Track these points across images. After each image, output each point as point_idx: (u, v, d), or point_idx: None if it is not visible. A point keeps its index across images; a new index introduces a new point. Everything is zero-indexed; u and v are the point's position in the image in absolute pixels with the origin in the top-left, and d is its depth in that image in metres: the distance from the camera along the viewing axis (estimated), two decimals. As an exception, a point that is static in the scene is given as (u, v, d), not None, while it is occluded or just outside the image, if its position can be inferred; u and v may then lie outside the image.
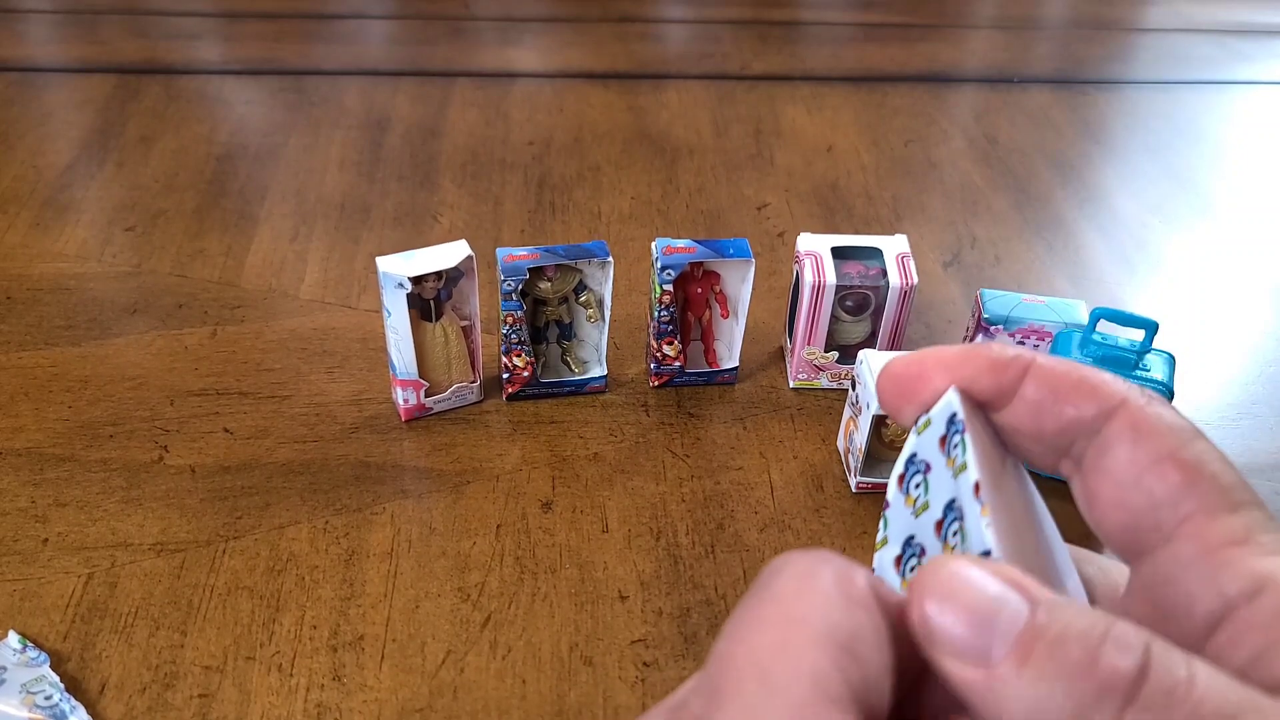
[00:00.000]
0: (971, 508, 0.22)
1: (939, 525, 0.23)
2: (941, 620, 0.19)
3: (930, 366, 0.25)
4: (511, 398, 0.81)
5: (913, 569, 0.24)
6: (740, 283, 0.80)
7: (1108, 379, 0.23)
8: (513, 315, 0.77)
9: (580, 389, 0.82)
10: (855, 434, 0.74)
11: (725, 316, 0.83)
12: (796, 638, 0.19)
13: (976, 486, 0.22)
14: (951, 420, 0.23)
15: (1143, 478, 0.22)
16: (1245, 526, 0.21)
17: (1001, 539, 0.21)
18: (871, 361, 0.71)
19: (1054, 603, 0.19)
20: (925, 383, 0.25)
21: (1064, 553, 0.24)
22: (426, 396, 0.78)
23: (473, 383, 0.79)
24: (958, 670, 0.19)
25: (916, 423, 0.24)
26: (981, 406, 0.24)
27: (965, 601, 0.19)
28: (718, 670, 0.19)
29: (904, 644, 0.21)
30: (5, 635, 0.62)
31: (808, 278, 0.78)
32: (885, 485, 0.74)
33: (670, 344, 0.80)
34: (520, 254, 0.76)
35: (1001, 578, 0.19)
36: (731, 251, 0.78)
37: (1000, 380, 0.24)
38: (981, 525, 0.21)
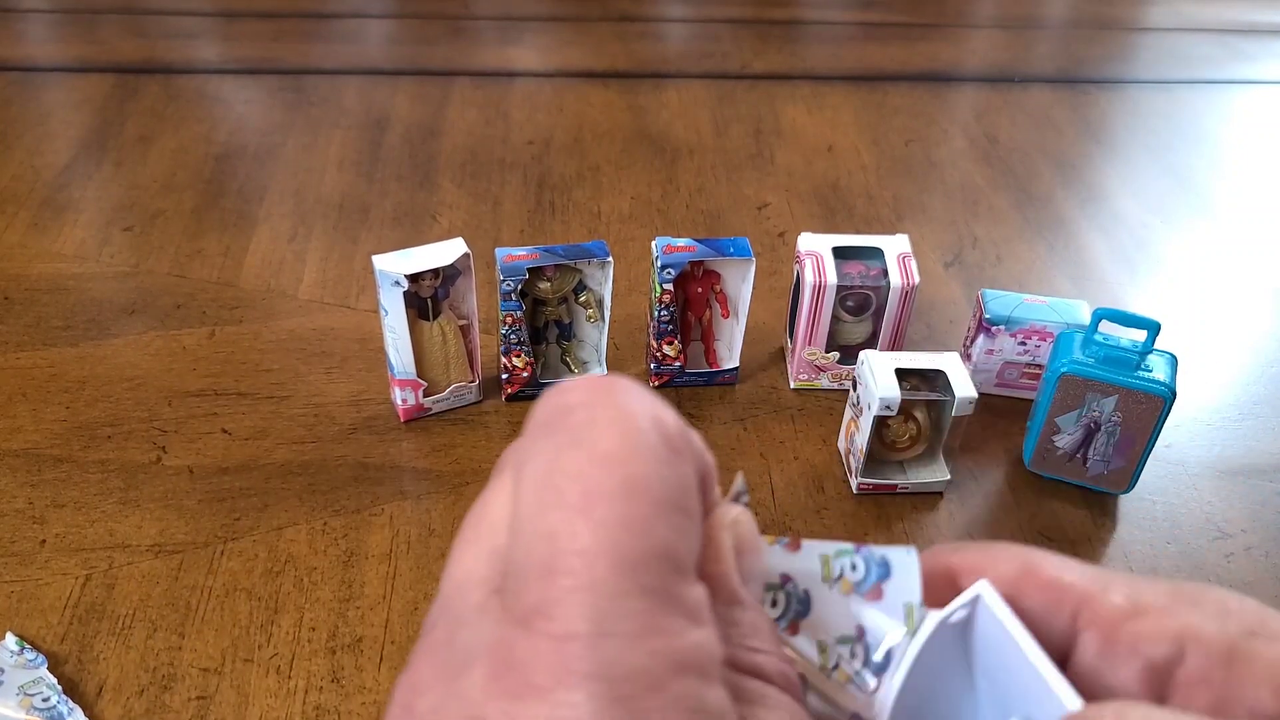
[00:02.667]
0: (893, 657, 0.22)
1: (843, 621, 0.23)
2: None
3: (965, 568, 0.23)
4: (511, 398, 0.81)
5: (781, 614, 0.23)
6: (740, 282, 0.80)
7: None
8: (512, 315, 0.76)
9: (580, 389, 0.81)
10: (856, 435, 0.73)
11: (725, 316, 0.82)
12: (640, 508, 0.17)
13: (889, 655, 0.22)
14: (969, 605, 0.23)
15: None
16: (1126, 598, 0.21)
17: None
18: (872, 362, 0.71)
19: None
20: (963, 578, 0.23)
21: None
22: (425, 396, 0.78)
23: (471, 383, 0.79)
24: None
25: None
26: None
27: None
28: (547, 542, 0.17)
29: None
30: (3, 637, 0.61)
31: (808, 278, 0.78)
32: (886, 486, 0.74)
33: (670, 344, 0.80)
34: (520, 254, 0.75)
35: None
36: (732, 251, 0.78)
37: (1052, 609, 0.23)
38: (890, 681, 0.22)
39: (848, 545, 0.23)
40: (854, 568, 0.23)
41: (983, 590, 0.22)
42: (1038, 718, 0.21)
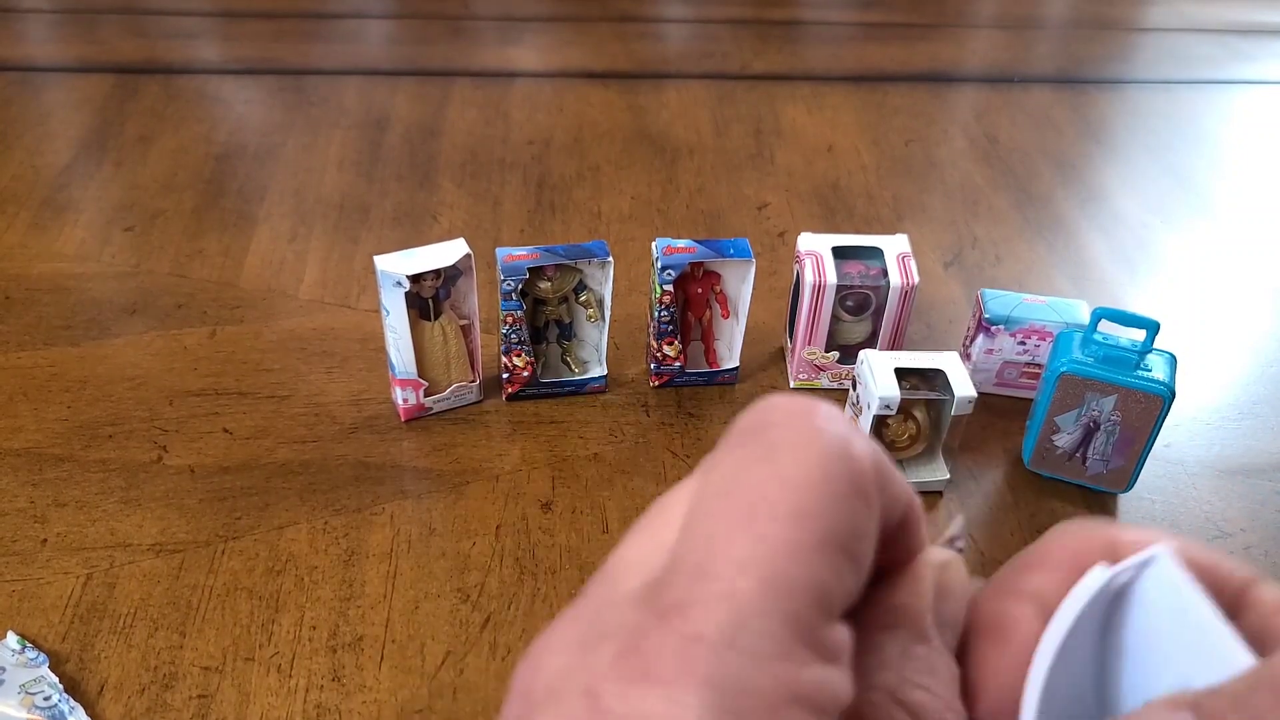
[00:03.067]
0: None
1: None
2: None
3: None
4: (511, 398, 0.81)
5: None
6: (740, 283, 0.80)
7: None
8: (512, 315, 0.76)
9: (580, 389, 0.82)
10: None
11: (725, 316, 0.82)
12: (804, 536, 0.17)
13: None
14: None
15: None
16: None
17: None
18: (872, 361, 0.71)
19: None
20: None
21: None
22: (426, 396, 0.78)
23: (472, 382, 0.79)
24: None
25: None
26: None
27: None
28: (705, 544, 0.17)
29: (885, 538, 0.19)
30: (4, 636, 0.62)
31: (808, 278, 0.78)
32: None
33: (670, 344, 0.80)
34: (520, 254, 0.75)
35: None
36: (732, 251, 0.78)
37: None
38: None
39: None
40: None
41: (1161, 552, 0.21)
42: (1199, 679, 0.20)
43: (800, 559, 0.17)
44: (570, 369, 0.82)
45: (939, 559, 0.21)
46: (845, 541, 0.18)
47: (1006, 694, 0.20)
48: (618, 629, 0.18)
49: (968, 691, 0.21)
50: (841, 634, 0.18)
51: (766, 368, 0.86)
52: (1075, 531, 0.22)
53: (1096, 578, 0.21)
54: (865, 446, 0.19)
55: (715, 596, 0.17)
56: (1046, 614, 0.21)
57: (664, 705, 0.16)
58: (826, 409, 0.19)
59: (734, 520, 0.17)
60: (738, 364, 0.83)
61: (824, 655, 0.17)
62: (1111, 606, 0.22)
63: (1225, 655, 0.20)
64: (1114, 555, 0.22)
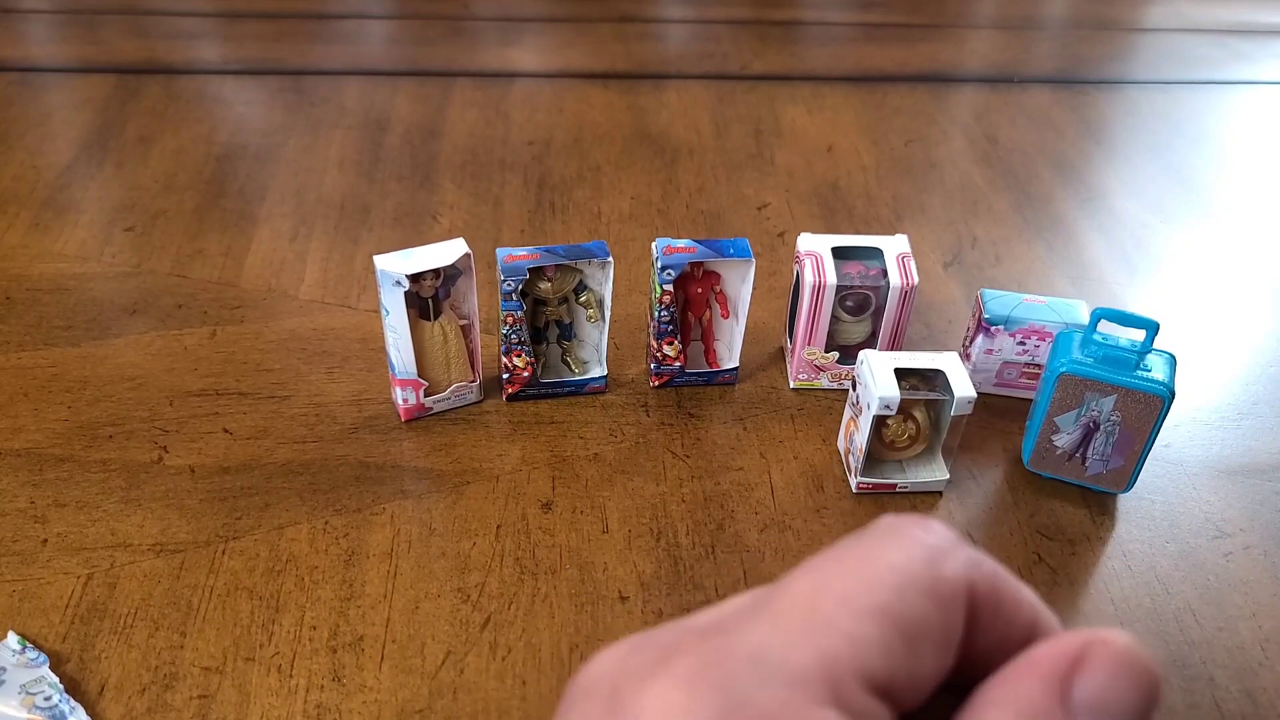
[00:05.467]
0: None
1: None
2: (1123, 694, 0.19)
3: None
4: (511, 398, 0.81)
5: None
6: (740, 283, 0.80)
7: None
8: (513, 315, 0.77)
9: (580, 389, 0.82)
10: (856, 434, 0.73)
11: (725, 316, 0.82)
12: (862, 599, 0.18)
13: None
14: None
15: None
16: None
17: None
18: (872, 362, 0.71)
19: None
20: None
21: None
22: (426, 396, 0.78)
23: (472, 382, 0.79)
24: None
25: None
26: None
27: (1139, 679, 0.19)
28: (777, 591, 0.19)
29: (974, 656, 0.20)
30: (4, 636, 0.62)
31: (808, 278, 0.78)
32: (886, 486, 0.74)
33: (670, 344, 0.80)
34: (520, 254, 0.76)
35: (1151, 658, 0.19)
36: (731, 251, 0.78)
37: None
38: None
39: None
40: None
41: None
42: None
43: (852, 621, 0.18)
44: (570, 369, 0.82)
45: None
46: (907, 631, 0.18)
47: None
48: (666, 642, 0.19)
49: None
50: (877, 709, 0.18)
51: (766, 368, 0.86)
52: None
53: None
54: (961, 566, 0.20)
55: (759, 624, 0.18)
56: None
57: (665, 700, 0.17)
58: (938, 526, 0.20)
59: (804, 589, 0.19)
60: (738, 364, 0.83)
61: (846, 710, 0.18)
62: None
63: None
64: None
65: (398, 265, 0.72)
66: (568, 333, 0.82)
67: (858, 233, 1.03)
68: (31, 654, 0.60)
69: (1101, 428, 0.72)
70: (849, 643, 0.18)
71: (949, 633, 0.19)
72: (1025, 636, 0.20)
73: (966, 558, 0.20)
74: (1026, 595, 0.21)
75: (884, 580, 0.19)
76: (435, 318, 0.76)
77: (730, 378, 0.83)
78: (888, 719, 0.18)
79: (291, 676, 0.61)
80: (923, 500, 0.75)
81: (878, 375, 0.70)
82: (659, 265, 0.76)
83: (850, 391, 0.75)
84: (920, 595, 0.19)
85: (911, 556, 0.19)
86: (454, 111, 1.22)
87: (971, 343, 0.83)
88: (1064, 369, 0.71)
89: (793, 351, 0.83)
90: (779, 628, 0.18)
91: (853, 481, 0.74)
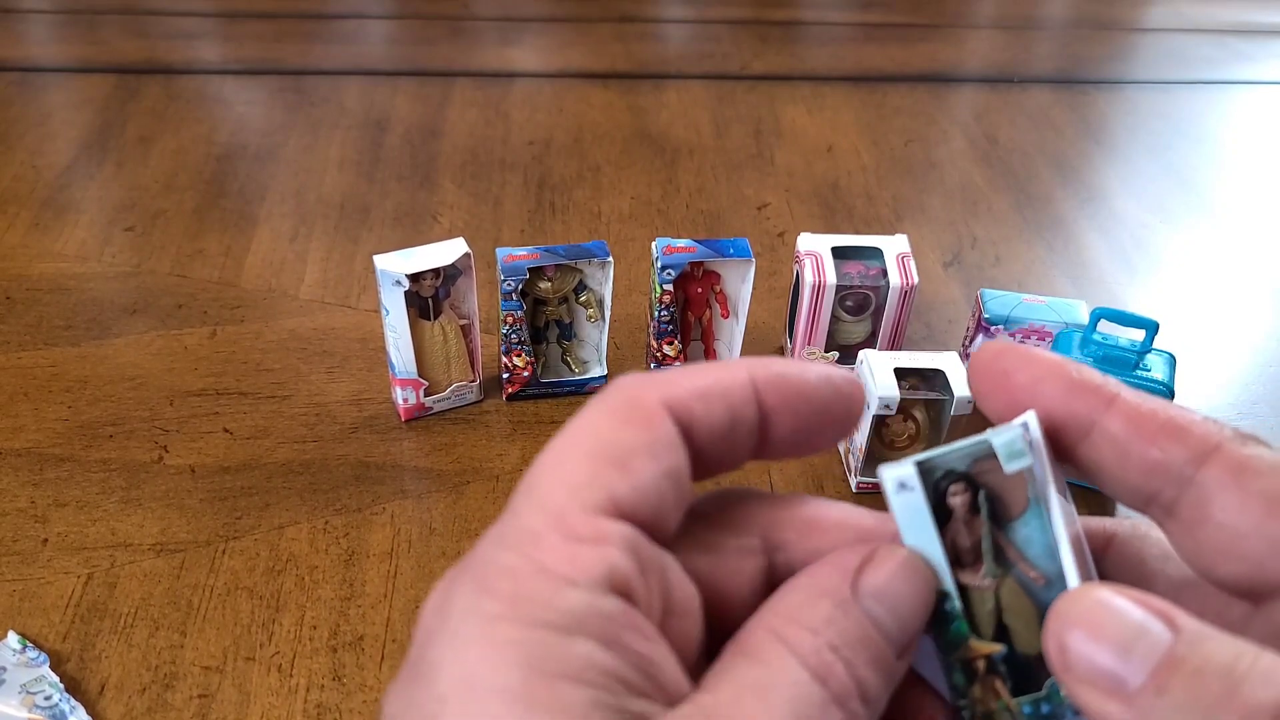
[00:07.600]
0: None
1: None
2: (1083, 650, 0.19)
3: (1015, 364, 0.24)
4: (511, 398, 0.81)
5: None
6: (740, 283, 0.80)
7: (1198, 420, 0.22)
8: (513, 315, 0.77)
9: (580, 389, 0.82)
10: (855, 434, 0.73)
11: (725, 316, 0.82)
12: (566, 455, 0.21)
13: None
14: (1028, 443, 0.22)
15: (1263, 525, 0.20)
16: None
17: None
18: (871, 361, 0.71)
19: (1198, 633, 0.18)
20: (1009, 379, 0.24)
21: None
22: (426, 396, 0.78)
23: (472, 382, 0.79)
24: (1095, 701, 0.19)
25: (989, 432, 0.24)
26: (1056, 436, 0.23)
27: (1109, 632, 0.19)
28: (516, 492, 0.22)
29: (722, 443, 0.23)
30: (5, 635, 0.62)
31: (808, 278, 0.78)
32: (885, 485, 0.74)
33: (670, 344, 0.80)
34: (520, 254, 0.76)
35: (1145, 606, 0.19)
36: (731, 251, 0.78)
37: (1079, 408, 0.22)
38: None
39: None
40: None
41: (1031, 419, 0.22)
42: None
43: (555, 472, 0.21)
44: (570, 369, 0.82)
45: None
46: (612, 454, 0.21)
47: None
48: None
49: None
50: (614, 527, 0.21)
51: (766, 368, 0.86)
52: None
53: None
54: (655, 392, 0.22)
55: (503, 519, 0.22)
56: None
57: (433, 593, 0.23)
58: (638, 377, 0.23)
59: (528, 471, 0.22)
60: (737, 364, 0.83)
61: (575, 537, 0.20)
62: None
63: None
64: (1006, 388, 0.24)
65: (398, 265, 0.72)
66: (568, 332, 0.82)
67: (858, 233, 1.03)
68: (32, 653, 0.60)
69: (1101, 427, 0.72)
70: (566, 493, 0.21)
71: (662, 444, 0.21)
72: (729, 424, 0.23)
73: (657, 382, 0.22)
74: (816, 387, 0.24)
75: (586, 432, 0.22)
76: (435, 317, 0.76)
77: (730, 377, 0.83)
78: (630, 534, 0.21)
79: (292, 676, 0.61)
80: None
81: (877, 375, 0.70)
82: (659, 265, 0.77)
83: (850, 391, 0.75)
84: (618, 427, 0.21)
85: (608, 402, 0.22)
86: (454, 111, 1.22)
87: (971, 343, 0.83)
88: (1064, 369, 0.70)
89: (793, 351, 0.83)
90: (513, 512, 0.21)
91: (852, 481, 0.74)
